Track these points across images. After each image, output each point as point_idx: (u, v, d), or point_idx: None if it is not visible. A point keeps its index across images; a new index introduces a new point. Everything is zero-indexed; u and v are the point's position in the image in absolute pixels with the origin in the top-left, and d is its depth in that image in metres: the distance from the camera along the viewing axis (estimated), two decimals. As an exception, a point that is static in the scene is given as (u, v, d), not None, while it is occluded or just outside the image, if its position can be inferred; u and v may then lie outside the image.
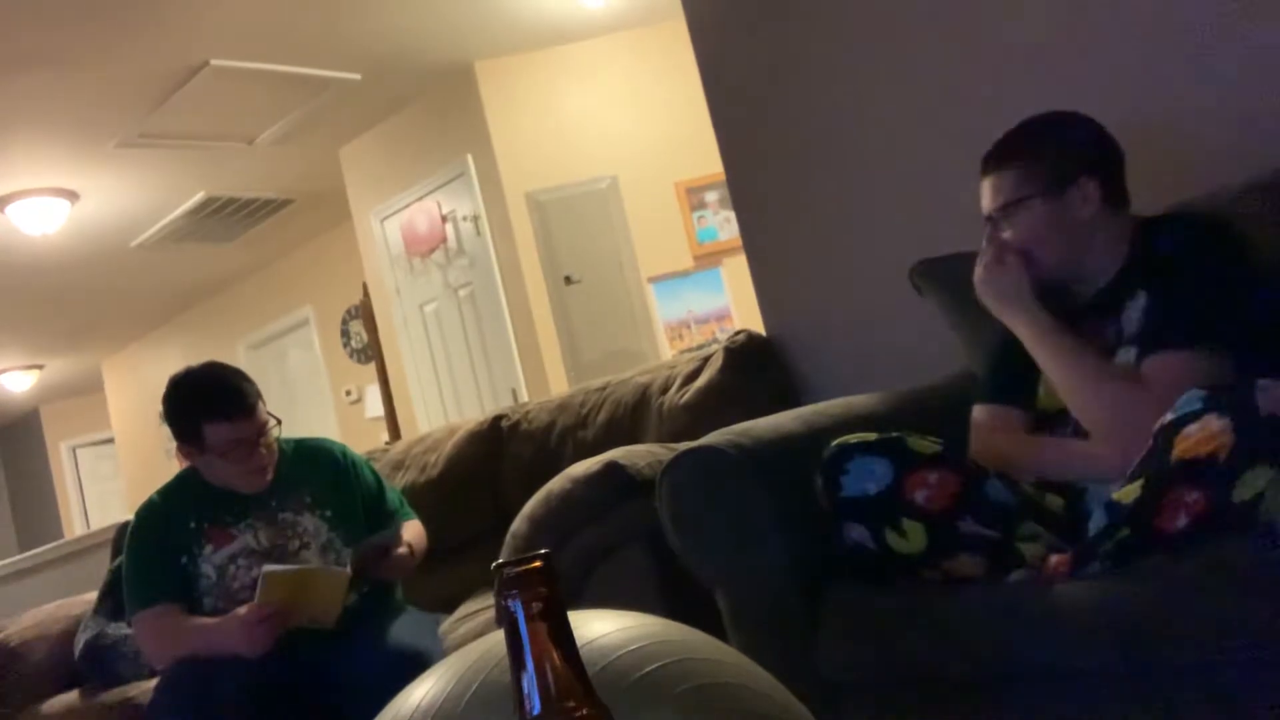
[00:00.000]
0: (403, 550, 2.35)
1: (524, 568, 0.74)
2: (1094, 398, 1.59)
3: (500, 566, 0.74)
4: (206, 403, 2.27)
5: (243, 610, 2.15)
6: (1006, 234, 1.71)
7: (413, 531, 2.44)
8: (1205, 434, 1.28)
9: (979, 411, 1.79)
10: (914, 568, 1.55)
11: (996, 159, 1.74)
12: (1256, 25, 2.00)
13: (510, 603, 0.73)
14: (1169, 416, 1.34)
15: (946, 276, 2.13)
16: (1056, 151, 1.70)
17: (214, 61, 4.78)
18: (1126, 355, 1.62)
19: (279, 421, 2.35)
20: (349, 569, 2.23)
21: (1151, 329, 1.59)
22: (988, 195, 1.75)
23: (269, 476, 2.33)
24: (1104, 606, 1.34)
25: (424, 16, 4.92)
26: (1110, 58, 2.16)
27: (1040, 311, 1.67)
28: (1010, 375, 1.76)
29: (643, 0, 5.14)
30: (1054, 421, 1.69)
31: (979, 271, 1.72)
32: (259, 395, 2.32)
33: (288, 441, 2.42)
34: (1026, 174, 1.69)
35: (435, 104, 5.82)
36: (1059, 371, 1.64)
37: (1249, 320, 1.54)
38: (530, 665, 0.73)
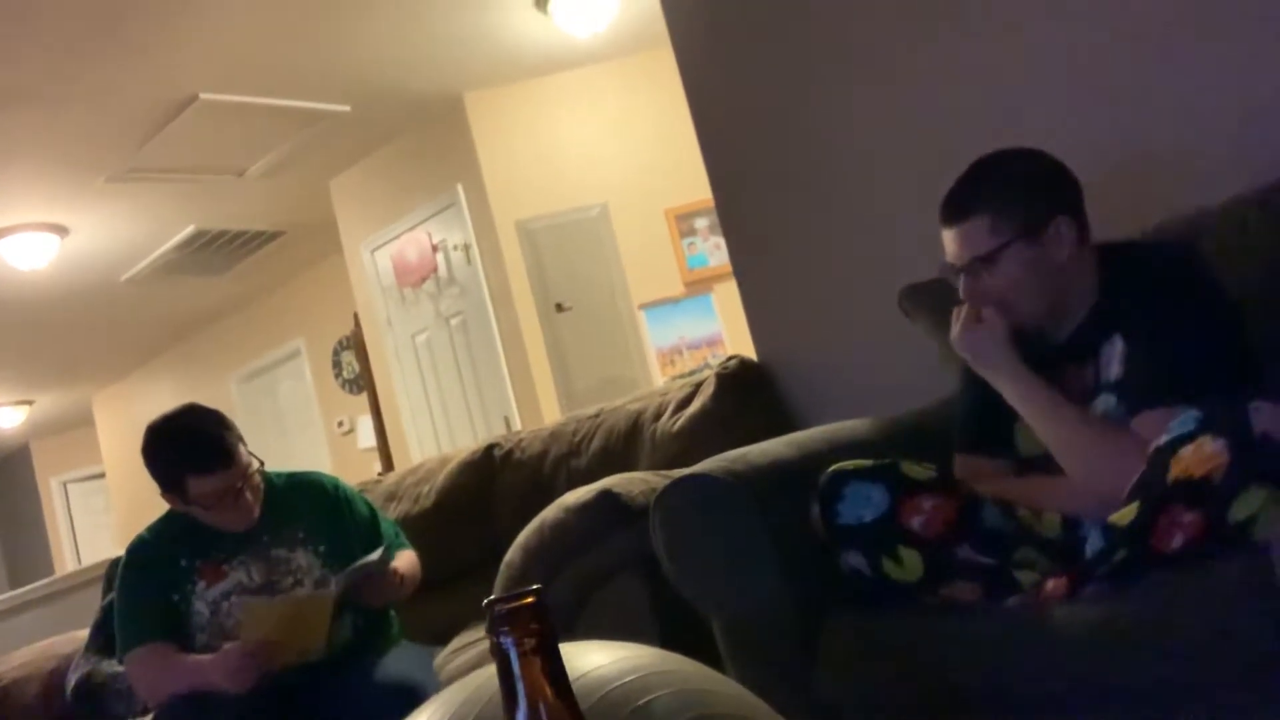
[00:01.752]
0: (392, 573, 2.30)
1: (515, 604, 0.73)
2: (1085, 453, 1.56)
3: (492, 603, 0.74)
4: (187, 457, 2.23)
5: (228, 646, 2.13)
6: (985, 282, 1.64)
7: (406, 561, 2.41)
8: (1201, 455, 1.28)
9: (960, 463, 1.75)
10: (911, 594, 1.54)
11: (961, 207, 1.66)
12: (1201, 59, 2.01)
13: (502, 640, 0.73)
14: (1164, 438, 1.34)
15: (932, 300, 2.12)
16: (1026, 193, 1.63)
17: (203, 95, 4.79)
18: (1107, 401, 1.59)
19: (262, 463, 2.32)
20: (334, 589, 2.20)
21: (1137, 384, 1.55)
22: (956, 246, 1.66)
23: (255, 515, 2.30)
24: (1101, 629, 1.34)
25: (413, 48, 4.94)
26: (1093, 93, 2.17)
27: (1022, 366, 1.62)
28: (988, 425, 1.72)
29: (630, 29, 5.16)
30: (1035, 467, 1.67)
31: (956, 329, 1.67)
32: (239, 438, 2.28)
33: (279, 475, 2.40)
34: (1000, 220, 1.61)
35: (425, 135, 5.84)
36: (1048, 428, 1.60)
37: (1228, 357, 1.51)
38: (523, 702, 0.72)
